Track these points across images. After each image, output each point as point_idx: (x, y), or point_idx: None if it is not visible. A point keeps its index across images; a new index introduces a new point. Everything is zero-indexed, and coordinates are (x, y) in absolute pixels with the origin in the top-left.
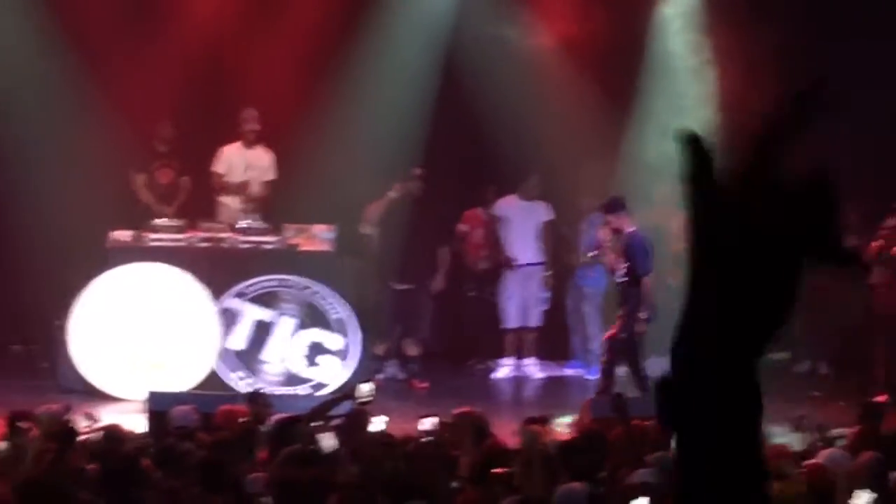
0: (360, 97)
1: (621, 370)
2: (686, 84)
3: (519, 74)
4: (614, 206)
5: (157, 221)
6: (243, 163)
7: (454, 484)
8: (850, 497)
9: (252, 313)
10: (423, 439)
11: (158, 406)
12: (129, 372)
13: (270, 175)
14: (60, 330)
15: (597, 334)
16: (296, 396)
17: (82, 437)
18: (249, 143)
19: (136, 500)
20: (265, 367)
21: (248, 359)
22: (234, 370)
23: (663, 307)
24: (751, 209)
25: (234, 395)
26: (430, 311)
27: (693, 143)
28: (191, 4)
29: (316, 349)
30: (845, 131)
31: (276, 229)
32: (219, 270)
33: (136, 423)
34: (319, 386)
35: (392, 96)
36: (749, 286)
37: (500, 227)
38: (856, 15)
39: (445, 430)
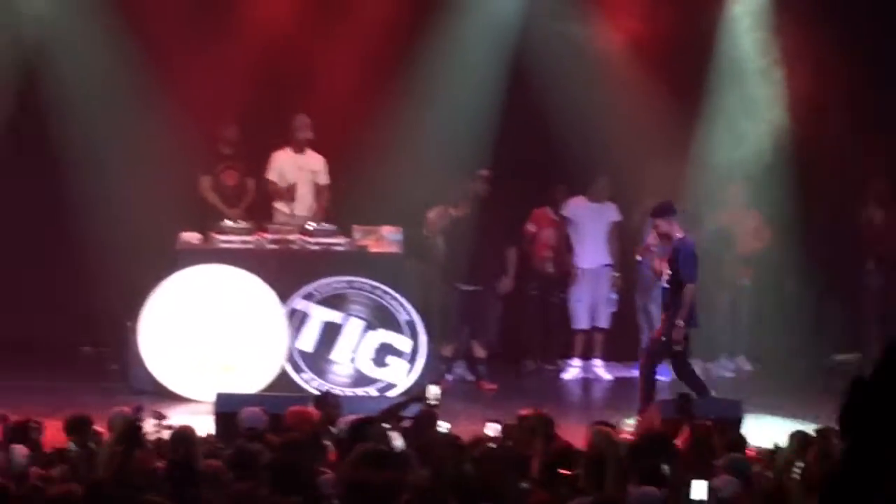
0: (426, 98)
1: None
2: (755, 84)
3: (587, 74)
4: (663, 210)
5: (226, 223)
6: (294, 167)
7: (524, 485)
8: None
9: (320, 315)
10: (491, 442)
11: (226, 407)
12: (198, 373)
13: (323, 179)
14: (131, 331)
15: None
16: (364, 397)
17: (152, 437)
18: (300, 149)
19: (206, 501)
20: (334, 368)
21: (316, 360)
22: (302, 371)
23: (733, 306)
24: None
25: (303, 397)
26: (497, 313)
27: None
28: (257, 6)
29: (384, 350)
30: None
31: (344, 231)
32: (287, 272)
33: (205, 424)
34: (388, 387)
35: (459, 97)
36: None
37: (569, 229)
38: None
39: (513, 431)
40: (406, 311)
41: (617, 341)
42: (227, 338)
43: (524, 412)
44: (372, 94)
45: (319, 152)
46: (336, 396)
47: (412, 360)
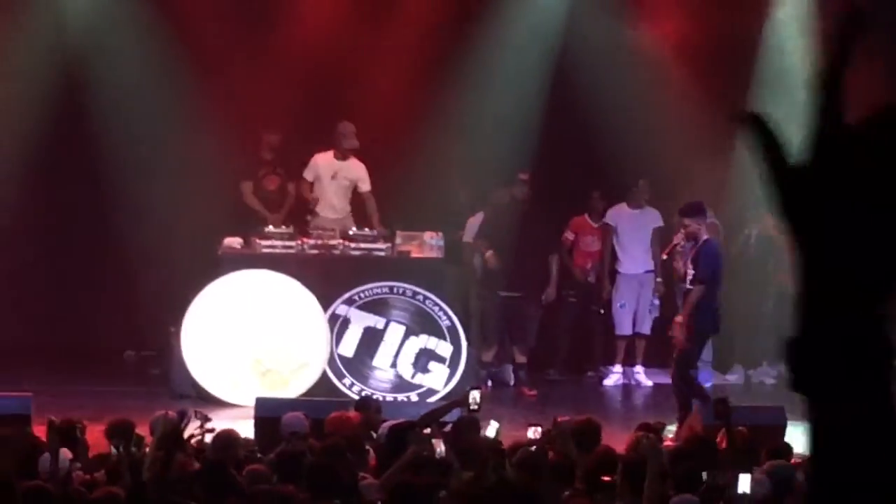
0: (469, 103)
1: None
2: (800, 90)
3: (630, 78)
4: (693, 210)
5: (268, 228)
6: (331, 172)
7: (567, 493)
8: None
9: (362, 320)
10: (533, 448)
11: (267, 412)
12: (240, 378)
13: (365, 186)
14: (173, 336)
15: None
16: (405, 403)
17: (195, 439)
18: (343, 156)
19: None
20: (375, 374)
21: (357, 365)
22: (343, 376)
23: (778, 312)
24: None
25: (344, 402)
26: (537, 319)
27: (758, 123)
28: (301, 13)
29: (425, 356)
30: None
31: (386, 236)
32: (329, 277)
33: (245, 429)
34: (429, 392)
35: (502, 101)
36: (857, 236)
37: (612, 236)
38: None
39: (556, 437)
40: (447, 316)
41: (658, 347)
42: (268, 343)
43: (562, 418)
44: (414, 98)
45: (361, 157)
46: (377, 401)
47: (453, 365)
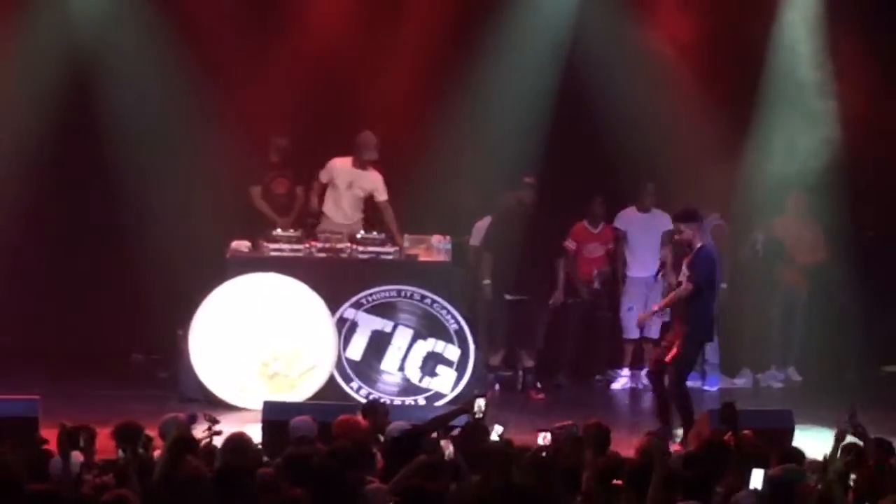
0: (477, 107)
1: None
2: (810, 92)
3: (638, 81)
4: (688, 215)
5: (276, 232)
6: (348, 179)
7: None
8: None
9: (369, 323)
10: (543, 452)
11: (274, 416)
12: (248, 381)
13: (381, 196)
14: (181, 340)
15: (711, 344)
16: (413, 406)
17: (203, 442)
18: (361, 165)
19: None
20: (382, 377)
21: (365, 369)
22: (351, 380)
23: (788, 316)
24: None
25: (352, 405)
26: (544, 323)
27: None
28: (309, 17)
29: (433, 359)
30: None
31: (395, 240)
32: (337, 281)
33: (253, 432)
34: (436, 396)
35: (510, 106)
36: None
37: (622, 241)
38: None
39: (564, 441)
40: (455, 320)
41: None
42: (276, 346)
43: (565, 423)
44: (421, 102)
45: (377, 165)
46: (384, 405)
47: (460, 369)
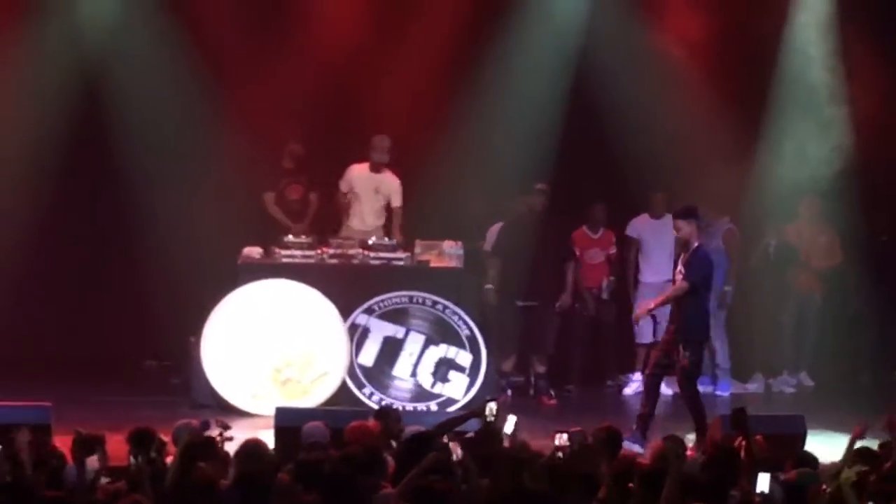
0: (488, 113)
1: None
2: (822, 95)
3: (650, 85)
4: (687, 213)
5: (288, 238)
6: (371, 185)
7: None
8: None
9: (381, 329)
10: (558, 454)
11: (286, 422)
12: (260, 387)
13: (396, 202)
14: (193, 346)
15: (721, 349)
16: (425, 412)
17: (216, 448)
18: (377, 168)
19: None
20: (395, 383)
21: (377, 374)
22: (363, 386)
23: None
24: None
25: (364, 411)
26: (555, 328)
27: None
28: (322, 21)
29: (445, 365)
30: None
31: (406, 246)
32: (348, 287)
33: (266, 438)
34: (449, 402)
35: (521, 112)
36: None
37: (634, 248)
38: None
39: (579, 445)
40: (467, 325)
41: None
42: (288, 352)
43: (574, 429)
44: (433, 108)
45: (396, 170)
46: (397, 411)
47: (473, 375)
